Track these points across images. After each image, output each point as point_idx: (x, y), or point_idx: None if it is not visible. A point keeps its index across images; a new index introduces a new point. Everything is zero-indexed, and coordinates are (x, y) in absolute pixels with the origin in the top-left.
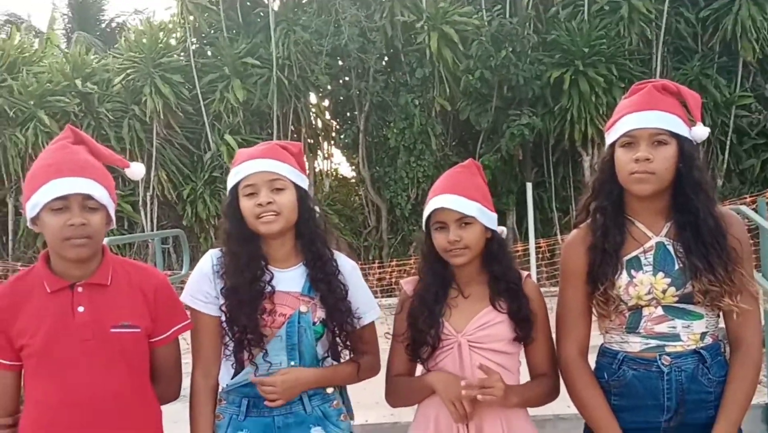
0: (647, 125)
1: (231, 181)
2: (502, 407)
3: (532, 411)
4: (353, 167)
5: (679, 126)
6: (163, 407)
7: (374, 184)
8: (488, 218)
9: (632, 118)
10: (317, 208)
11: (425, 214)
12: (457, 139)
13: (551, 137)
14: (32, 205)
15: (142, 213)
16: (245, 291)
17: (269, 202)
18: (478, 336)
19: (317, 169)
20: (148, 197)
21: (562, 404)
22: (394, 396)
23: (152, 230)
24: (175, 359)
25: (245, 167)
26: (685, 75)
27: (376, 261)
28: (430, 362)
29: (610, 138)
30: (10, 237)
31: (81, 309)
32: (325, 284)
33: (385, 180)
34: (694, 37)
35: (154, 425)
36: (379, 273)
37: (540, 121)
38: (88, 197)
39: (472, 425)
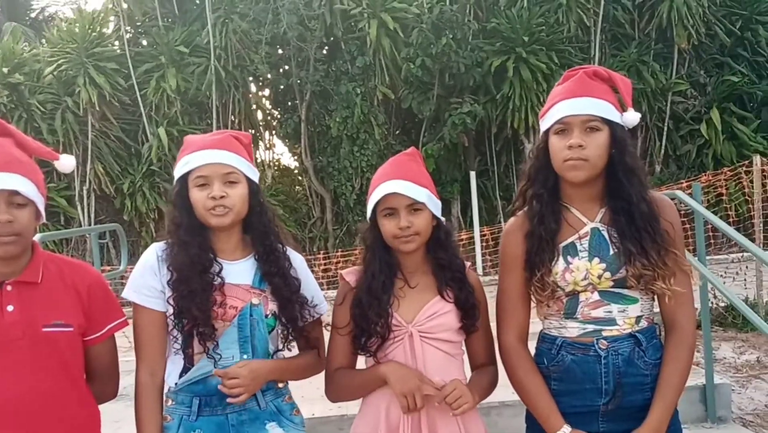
0: (579, 112)
1: (181, 170)
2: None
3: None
4: (296, 157)
5: (610, 112)
6: (104, 407)
7: (317, 174)
8: (435, 205)
9: (565, 105)
10: (266, 202)
11: (372, 200)
12: (400, 128)
13: (494, 125)
14: None
15: (79, 208)
16: (196, 282)
17: (222, 196)
18: (429, 326)
19: (259, 160)
20: (85, 191)
21: (507, 391)
22: (337, 390)
23: (90, 225)
24: (111, 357)
25: (198, 157)
26: (623, 61)
27: (321, 252)
28: (380, 354)
29: (544, 125)
30: None
31: (10, 308)
32: (279, 277)
33: (329, 170)
34: (632, 24)
35: (92, 425)
36: (325, 264)
37: (482, 109)
38: (15, 193)
39: (425, 416)
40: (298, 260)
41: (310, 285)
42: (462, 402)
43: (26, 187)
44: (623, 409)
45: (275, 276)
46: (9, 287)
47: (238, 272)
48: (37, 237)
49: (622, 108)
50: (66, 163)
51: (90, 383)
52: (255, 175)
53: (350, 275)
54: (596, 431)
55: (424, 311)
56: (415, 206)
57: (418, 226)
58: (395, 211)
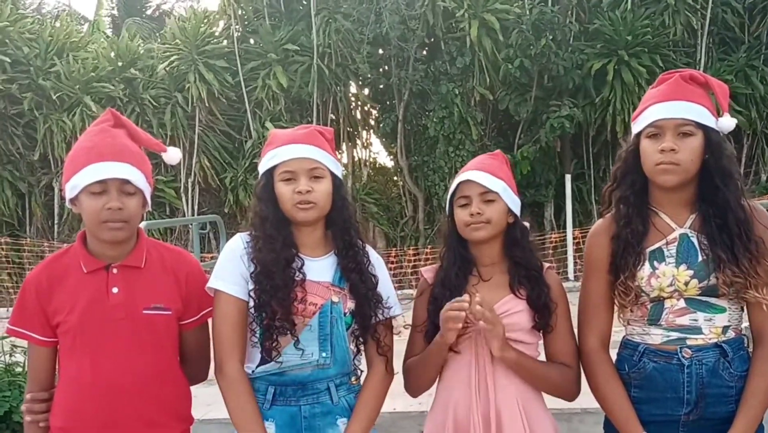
0: (673, 116)
1: (267, 164)
2: (500, 360)
3: (560, 405)
4: (392, 156)
5: (705, 117)
6: (195, 390)
7: (412, 173)
8: (512, 200)
9: (658, 109)
10: (350, 198)
11: (450, 192)
12: (496, 129)
13: (591, 128)
14: (71, 187)
15: (184, 199)
16: (279, 276)
17: (308, 191)
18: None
19: (356, 158)
20: (190, 183)
21: (589, 398)
22: (410, 378)
23: (193, 216)
24: (204, 341)
25: (284, 151)
26: (731, 66)
27: (411, 250)
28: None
29: (636, 128)
30: (55, 220)
31: (115, 290)
32: (357, 273)
33: (424, 169)
34: (741, 27)
35: (185, 404)
36: (414, 261)
37: (581, 112)
38: (126, 182)
39: (492, 410)
40: (378, 261)
41: (386, 285)
42: (489, 326)
43: (136, 176)
44: (705, 420)
45: (353, 272)
46: (115, 270)
47: (319, 268)
48: (142, 225)
49: (718, 114)
50: (172, 155)
51: (183, 366)
52: (338, 170)
53: (428, 272)
54: None
55: (497, 308)
56: (488, 196)
57: (490, 214)
58: (469, 201)
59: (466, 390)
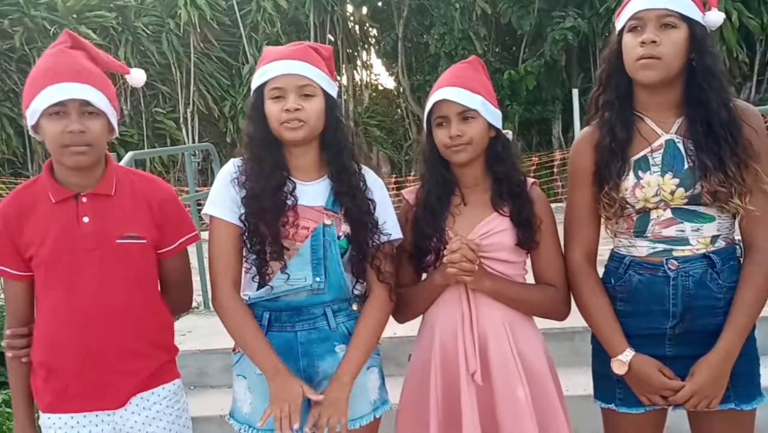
0: (655, 6)
1: (257, 82)
2: (477, 290)
3: (560, 324)
4: (393, 77)
5: (689, 8)
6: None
7: (414, 94)
8: (492, 114)
9: (640, 0)
10: (344, 119)
11: (426, 110)
12: (499, 44)
13: (598, 40)
14: (32, 113)
15: (184, 130)
16: (267, 199)
17: (297, 109)
18: (483, 245)
19: (356, 81)
20: (189, 114)
21: None
22: (401, 308)
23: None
24: (183, 270)
25: (273, 68)
26: None
27: (413, 174)
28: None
29: (618, 24)
30: (42, 156)
31: (86, 219)
32: (349, 197)
33: (426, 89)
34: None
35: (166, 334)
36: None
37: (586, 23)
38: (87, 103)
39: (477, 332)
40: (376, 184)
41: (385, 210)
42: (461, 265)
43: (97, 97)
44: (693, 333)
45: (345, 196)
46: (84, 199)
47: (313, 192)
48: (129, 154)
49: (705, 9)
50: (137, 76)
51: (164, 295)
52: (333, 90)
53: (410, 193)
54: (662, 355)
55: (478, 228)
56: (466, 114)
57: (471, 134)
58: (447, 120)
59: (452, 314)
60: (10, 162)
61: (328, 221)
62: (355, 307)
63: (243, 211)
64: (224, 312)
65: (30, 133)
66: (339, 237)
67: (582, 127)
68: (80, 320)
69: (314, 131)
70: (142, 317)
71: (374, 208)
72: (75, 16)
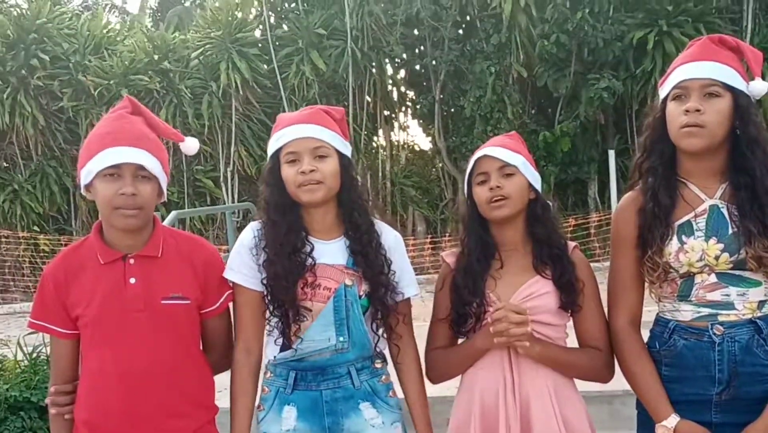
0: (699, 76)
1: (272, 147)
2: (526, 355)
3: (601, 387)
4: (429, 138)
5: (733, 78)
6: (219, 378)
7: (450, 154)
8: (532, 175)
9: (684, 69)
10: (359, 178)
11: (467, 171)
12: (535, 106)
13: (635, 102)
14: (86, 173)
15: (224, 189)
16: (285, 263)
17: (312, 170)
18: (525, 307)
19: (394, 141)
20: (229, 173)
21: None
22: (437, 368)
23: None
24: (226, 329)
25: (287, 133)
26: None
27: (448, 234)
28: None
29: (662, 92)
30: (86, 212)
31: (133, 281)
32: (362, 255)
33: (462, 150)
34: None
35: (207, 394)
36: (452, 245)
37: (621, 85)
38: (141, 167)
39: (520, 396)
40: (391, 240)
41: (401, 266)
42: (509, 331)
43: (151, 163)
44: (740, 400)
45: (359, 254)
46: (132, 260)
47: (332, 251)
48: (172, 214)
49: (749, 78)
50: (190, 145)
51: (207, 354)
52: (347, 150)
53: (450, 256)
54: (709, 421)
55: (520, 292)
56: (506, 170)
57: (510, 189)
58: (487, 177)
59: (494, 378)
60: (54, 219)
61: (349, 282)
62: (378, 364)
63: (263, 275)
64: (232, 376)
65: (81, 192)
66: (360, 296)
67: (619, 188)
68: (126, 380)
69: (331, 191)
70: (186, 377)
71: (389, 266)
72: (116, 80)
